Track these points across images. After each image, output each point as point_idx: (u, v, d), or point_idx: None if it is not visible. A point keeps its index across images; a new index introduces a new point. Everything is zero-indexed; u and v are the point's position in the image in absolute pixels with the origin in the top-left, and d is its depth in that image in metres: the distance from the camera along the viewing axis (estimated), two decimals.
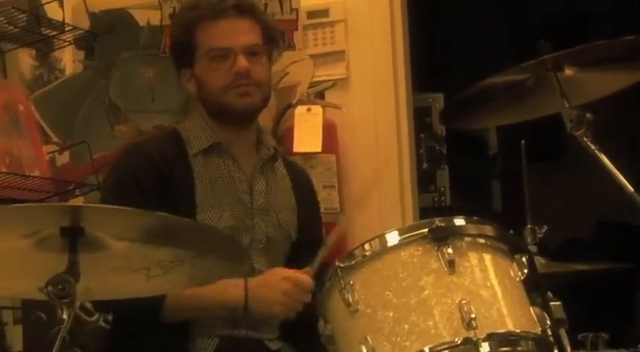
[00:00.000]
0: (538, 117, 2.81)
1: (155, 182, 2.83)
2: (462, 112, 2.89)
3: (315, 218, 3.17)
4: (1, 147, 3.51)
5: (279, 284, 2.75)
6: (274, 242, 2.97)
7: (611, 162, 2.53)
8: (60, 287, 2.00)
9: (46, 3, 3.83)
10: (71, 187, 3.68)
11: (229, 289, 2.76)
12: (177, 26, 3.08)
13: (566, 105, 2.60)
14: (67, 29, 3.86)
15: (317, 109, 3.99)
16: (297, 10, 4.05)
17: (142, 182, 2.82)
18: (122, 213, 2.09)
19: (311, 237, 3.06)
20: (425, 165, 4.54)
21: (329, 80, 4.08)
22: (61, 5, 3.91)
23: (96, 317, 3.55)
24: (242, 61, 2.89)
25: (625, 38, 2.58)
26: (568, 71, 2.65)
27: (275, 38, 3.13)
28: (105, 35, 4.05)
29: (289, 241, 3.01)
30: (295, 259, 2.98)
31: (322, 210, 3.79)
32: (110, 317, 2.99)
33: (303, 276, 2.72)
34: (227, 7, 2.93)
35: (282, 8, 4.02)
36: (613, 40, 2.60)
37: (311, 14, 4.03)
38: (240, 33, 2.93)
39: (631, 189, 2.47)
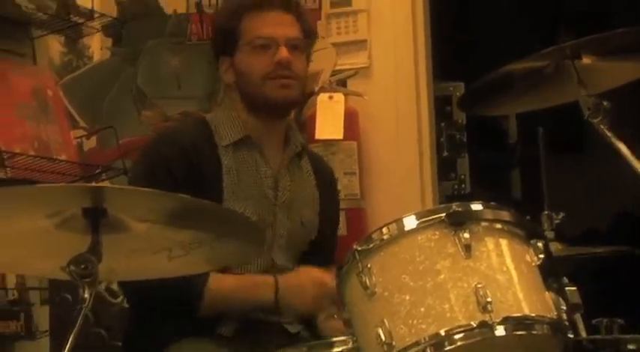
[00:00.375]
0: (556, 104, 2.78)
1: (186, 172, 2.83)
2: (481, 99, 2.87)
3: (334, 215, 3.17)
4: (30, 132, 3.52)
5: (310, 288, 2.78)
6: (295, 238, 2.97)
7: (629, 150, 2.51)
8: (82, 266, 1.99)
9: None
10: (98, 171, 3.68)
11: (261, 289, 2.79)
12: (223, 14, 3.09)
13: (584, 93, 2.58)
14: (95, 16, 3.86)
15: (339, 97, 3.99)
16: (320, 0, 4.05)
17: (174, 172, 2.82)
18: (144, 194, 2.09)
19: (328, 233, 3.07)
20: (445, 154, 4.53)
21: (351, 68, 4.09)
22: None
23: (120, 298, 3.58)
24: (284, 52, 2.88)
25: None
26: (586, 59, 2.63)
27: (313, 35, 3.11)
28: (132, 23, 4.05)
29: (309, 238, 3.01)
30: (310, 254, 2.99)
31: (343, 197, 3.82)
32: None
33: (328, 277, 2.71)
34: (274, 2, 2.93)
35: None
36: (630, 29, 2.58)
37: (334, 3, 4.04)
38: (284, 25, 2.93)
39: None
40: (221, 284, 2.79)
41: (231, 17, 2.95)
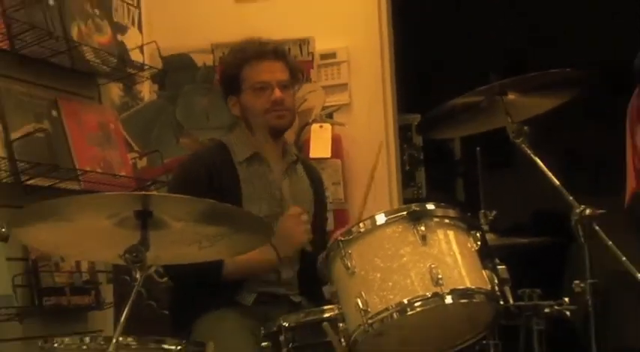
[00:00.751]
0: (488, 129, 2.76)
1: (208, 184, 2.83)
2: (433, 126, 2.86)
3: (323, 207, 3.14)
4: (98, 155, 3.49)
5: (283, 225, 2.77)
6: None
7: (543, 163, 2.49)
8: (134, 254, 1.98)
9: (131, 49, 3.82)
10: (148, 183, 3.65)
11: (263, 252, 2.73)
12: (228, 64, 3.03)
13: (509, 121, 2.56)
14: (145, 68, 3.83)
15: (327, 126, 3.98)
16: (312, 53, 4.04)
17: (199, 184, 2.80)
18: (181, 200, 2.07)
19: (319, 221, 3.04)
20: (407, 168, 4.51)
21: (336, 105, 4.07)
22: (142, 51, 3.90)
23: (165, 278, 3.55)
24: (277, 93, 2.88)
25: (551, 71, 2.55)
26: (511, 95, 2.62)
27: (298, 75, 3.10)
28: (172, 73, 4.04)
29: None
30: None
31: (331, 200, 3.80)
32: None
33: (292, 210, 2.80)
34: (267, 52, 2.92)
35: (301, 52, 4.01)
36: (543, 72, 2.56)
37: (323, 56, 4.02)
38: (276, 71, 2.91)
39: (557, 182, 2.43)
40: (235, 259, 2.74)
41: (235, 66, 2.93)
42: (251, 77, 2.90)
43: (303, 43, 4.03)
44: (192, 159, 3.01)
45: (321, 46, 4.04)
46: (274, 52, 2.94)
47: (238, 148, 2.93)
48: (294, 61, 3.06)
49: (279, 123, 2.90)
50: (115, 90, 3.91)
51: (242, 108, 2.93)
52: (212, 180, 2.83)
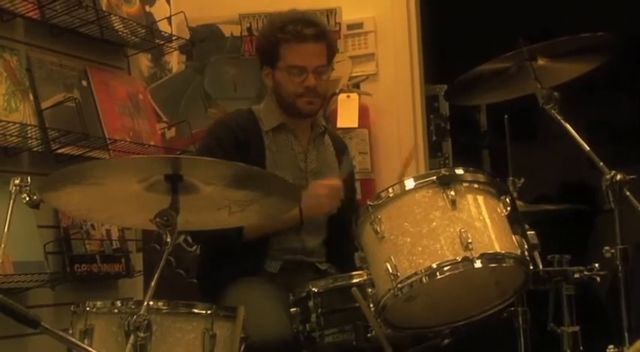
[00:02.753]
0: (517, 96, 2.72)
1: (235, 148, 2.81)
2: (461, 92, 2.82)
3: (350, 178, 3.10)
4: (127, 124, 3.49)
5: (317, 190, 2.74)
6: None
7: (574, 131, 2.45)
8: (165, 218, 1.96)
9: (159, 20, 3.79)
10: (177, 153, 3.64)
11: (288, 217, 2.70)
12: (266, 37, 2.91)
13: (539, 87, 2.52)
14: (173, 39, 3.81)
15: (354, 96, 3.94)
16: (340, 23, 3.99)
17: (225, 148, 2.79)
18: (211, 163, 2.06)
19: (348, 195, 3.00)
20: (434, 138, 4.47)
21: (363, 75, 4.03)
22: (170, 22, 3.87)
23: (194, 247, 3.55)
24: (311, 80, 2.82)
25: (582, 35, 2.50)
26: (540, 61, 2.57)
27: (335, 54, 2.98)
28: (200, 43, 4.01)
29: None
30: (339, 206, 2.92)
31: (358, 170, 3.78)
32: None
33: (332, 181, 2.76)
34: (308, 35, 2.82)
35: (328, 22, 3.96)
36: (574, 36, 2.52)
37: (350, 26, 3.98)
38: (313, 56, 2.83)
39: (587, 147, 2.39)
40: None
41: (273, 42, 2.84)
42: (288, 58, 2.83)
43: (330, 13, 3.99)
44: (220, 125, 2.98)
45: (348, 16, 4.00)
46: (315, 35, 2.83)
47: (266, 117, 2.90)
48: (333, 43, 2.96)
49: (308, 108, 2.87)
50: (143, 61, 3.90)
51: (275, 82, 2.88)
52: (239, 147, 2.81)
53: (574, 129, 2.43)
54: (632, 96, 5.44)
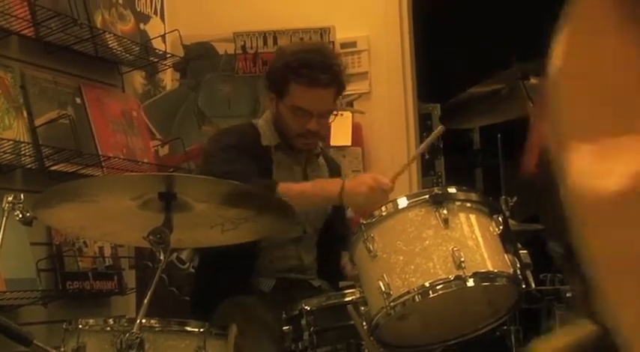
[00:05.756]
0: (511, 118, 2.73)
1: (244, 153, 2.74)
2: (452, 115, 2.83)
3: None
4: (121, 141, 3.49)
5: (368, 180, 2.61)
6: (317, 214, 2.92)
7: None
8: (158, 236, 1.97)
9: (153, 38, 3.82)
10: (170, 171, 3.65)
11: (329, 184, 2.66)
12: (276, 71, 2.81)
13: (532, 106, 2.54)
14: (167, 57, 3.83)
15: (347, 114, 3.95)
16: (333, 42, 4.00)
17: (236, 150, 2.74)
18: (204, 181, 2.06)
19: (340, 213, 3.00)
20: (427, 156, 4.48)
21: (356, 93, 4.04)
22: (164, 39, 3.89)
23: (187, 265, 3.55)
24: (314, 124, 2.77)
25: None
26: (533, 80, 2.59)
27: (342, 93, 2.93)
28: (195, 61, 4.02)
29: (326, 214, 2.95)
30: (329, 223, 2.92)
31: None
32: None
33: (386, 180, 2.60)
34: (320, 82, 2.74)
35: (322, 41, 3.97)
36: None
37: (343, 45, 3.98)
38: (321, 102, 2.78)
39: None
40: (290, 188, 2.64)
41: (283, 77, 2.76)
42: (295, 99, 2.75)
43: (323, 31, 4.00)
44: (225, 132, 2.96)
45: (341, 34, 4.01)
46: (328, 82, 2.76)
47: (266, 133, 2.88)
48: (343, 85, 2.86)
49: (304, 148, 2.86)
50: (137, 79, 3.91)
51: (277, 112, 2.82)
52: (250, 150, 2.76)
53: None
54: None
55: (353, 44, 4.01)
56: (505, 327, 2.57)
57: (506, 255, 2.20)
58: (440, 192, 2.19)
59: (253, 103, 3.94)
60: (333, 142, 3.87)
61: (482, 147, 5.09)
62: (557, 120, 0.83)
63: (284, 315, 2.42)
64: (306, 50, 2.84)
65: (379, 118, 4.00)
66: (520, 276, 2.20)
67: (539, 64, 2.54)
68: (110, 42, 3.44)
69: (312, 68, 2.73)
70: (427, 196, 2.19)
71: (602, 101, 0.83)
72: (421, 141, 4.28)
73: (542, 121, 1.16)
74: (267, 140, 2.85)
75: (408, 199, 2.21)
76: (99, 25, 3.39)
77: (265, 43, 4.01)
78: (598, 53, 0.88)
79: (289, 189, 2.61)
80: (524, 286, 2.23)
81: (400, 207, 2.20)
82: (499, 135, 3.25)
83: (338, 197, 2.58)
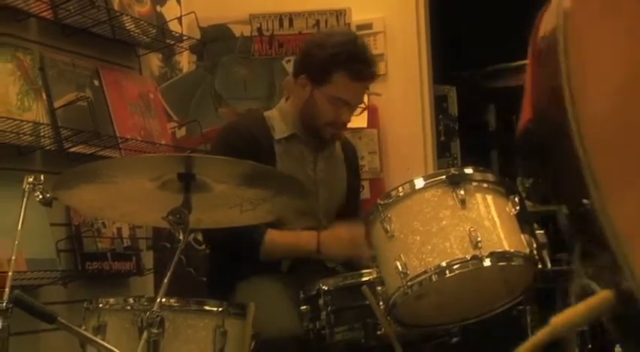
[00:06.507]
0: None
1: (246, 154, 2.77)
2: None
3: (356, 184, 3.12)
4: (139, 123, 3.51)
5: (343, 234, 2.71)
6: (331, 203, 2.94)
7: None
8: (177, 216, 1.98)
9: (170, 20, 3.82)
10: (187, 152, 3.66)
11: (307, 240, 2.74)
12: (321, 58, 2.78)
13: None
14: (184, 39, 3.84)
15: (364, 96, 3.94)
16: (349, 24, 3.99)
17: (237, 154, 2.76)
18: (223, 161, 2.07)
19: (353, 198, 3.02)
20: (442, 138, 4.48)
21: None
22: (180, 22, 3.89)
23: (204, 246, 3.57)
24: (347, 115, 2.81)
25: None
26: None
27: None
28: (211, 43, 4.03)
29: (340, 203, 2.97)
30: (342, 215, 2.94)
31: (367, 169, 3.80)
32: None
33: (361, 232, 2.49)
34: (368, 75, 2.79)
35: (338, 23, 3.97)
36: None
37: (359, 27, 3.96)
38: (360, 95, 2.84)
39: None
40: (274, 238, 2.75)
41: (328, 66, 2.76)
42: (338, 89, 2.76)
43: (339, 13, 4.00)
44: (231, 129, 2.97)
45: (357, 16, 4.00)
46: (372, 76, 2.81)
47: (278, 125, 2.88)
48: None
49: (331, 137, 2.88)
50: (154, 61, 3.92)
51: (310, 98, 2.81)
52: (250, 152, 2.80)
53: None
54: None
55: (369, 26, 4.00)
56: (521, 307, 2.57)
57: (522, 235, 2.21)
58: (457, 173, 2.21)
59: (269, 86, 3.94)
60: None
61: (497, 128, 5.08)
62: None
63: (302, 295, 2.44)
64: (352, 42, 2.82)
65: (395, 100, 3.99)
66: (536, 256, 2.21)
67: None
68: (127, 24, 3.46)
69: (361, 62, 2.76)
70: (444, 177, 2.20)
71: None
72: (437, 123, 4.28)
73: (535, 69, 1.16)
74: (279, 131, 2.86)
75: (424, 180, 2.22)
76: (116, 8, 3.40)
77: (281, 25, 4.00)
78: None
79: (274, 242, 2.73)
80: (540, 266, 2.24)
81: (417, 187, 2.21)
82: (514, 117, 3.23)
83: (316, 251, 2.71)
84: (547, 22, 1.17)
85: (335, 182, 2.95)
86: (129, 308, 2.17)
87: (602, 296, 0.97)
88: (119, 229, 3.35)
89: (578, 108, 0.91)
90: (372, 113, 3.96)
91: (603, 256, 0.97)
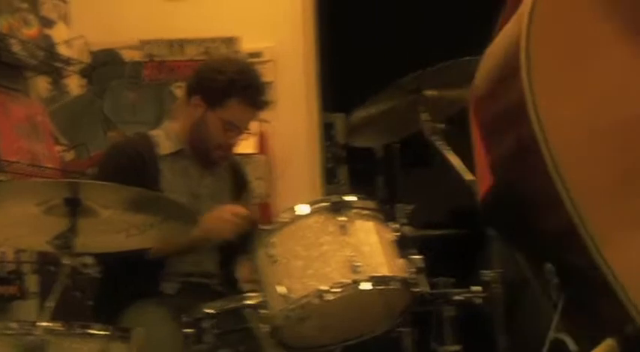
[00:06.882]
0: (409, 133, 2.84)
1: (132, 175, 2.79)
2: (356, 135, 2.95)
3: (247, 199, 3.16)
4: (25, 147, 3.48)
5: (221, 213, 2.75)
6: None
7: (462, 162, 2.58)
8: (63, 240, 1.99)
9: (59, 43, 3.80)
10: (75, 176, 3.64)
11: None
12: (218, 81, 2.84)
13: (424, 119, 2.65)
14: (73, 63, 3.82)
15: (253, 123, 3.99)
16: (239, 52, 4.06)
17: (122, 176, 2.77)
18: (110, 187, 2.09)
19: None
20: (330, 165, 4.57)
21: None
22: (69, 45, 3.88)
23: (91, 269, 3.55)
24: (236, 140, 2.90)
25: (465, 59, 2.52)
26: (428, 92, 2.69)
27: None
28: (101, 67, 4.03)
29: None
30: None
31: (255, 195, 3.84)
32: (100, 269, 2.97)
33: (239, 207, 2.74)
34: (261, 103, 2.89)
35: (228, 50, 4.03)
36: (455, 61, 2.59)
37: (250, 55, 4.03)
38: (251, 120, 2.93)
39: (471, 176, 2.52)
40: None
41: (225, 90, 2.82)
42: (231, 114, 2.83)
43: (230, 41, 4.06)
44: (116, 148, 3.00)
45: (247, 45, 4.07)
46: (265, 104, 2.93)
47: (164, 142, 2.92)
48: None
49: (219, 161, 2.93)
50: (42, 84, 3.89)
51: (202, 119, 2.86)
52: (136, 171, 2.82)
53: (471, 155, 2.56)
54: None
55: (259, 54, 4.07)
56: (400, 329, 2.67)
57: (400, 260, 2.31)
58: (339, 200, 2.29)
59: (158, 110, 3.96)
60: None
61: (383, 156, 5.21)
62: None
63: (186, 319, 2.47)
64: (249, 70, 2.93)
65: (284, 127, 4.07)
66: (413, 280, 2.31)
67: (429, 75, 2.65)
68: (14, 46, 3.43)
69: (256, 89, 2.87)
70: (326, 203, 2.28)
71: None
72: (325, 151, 4.38)
73: (486, 138, 1.17)
74: (164, 148, 2.90)
75: (308, 206, 2.29)
76: (3, 30, 3.37)
77: (172, 51, 4.04)
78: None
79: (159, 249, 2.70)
80: (417, 289, 2.34)
81: (300, 213, 2.28)
82: (397, 145, 3.37)
83: (201, 234, 2.66)
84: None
85: (220, 197, 2.98)
86: (10, 332, 2.15)
87: (606, 345, 1.01)
88: (3, 253, 3.30)
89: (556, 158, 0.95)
90: (262, 139, 4.03)
91: (584, 315, 1.00)
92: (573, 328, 1.09)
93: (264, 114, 4.02)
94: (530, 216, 1.08)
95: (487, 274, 2.42)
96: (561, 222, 0.96)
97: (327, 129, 4.44)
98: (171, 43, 4.05)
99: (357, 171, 4.84)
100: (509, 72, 1.06)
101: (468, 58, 2.49)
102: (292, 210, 2.29)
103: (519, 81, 1.01)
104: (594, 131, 1.01)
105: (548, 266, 1.04)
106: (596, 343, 1.01)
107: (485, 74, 1.18)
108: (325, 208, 2.27)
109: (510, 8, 1.22)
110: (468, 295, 2.56)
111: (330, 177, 4.51)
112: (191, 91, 2.91)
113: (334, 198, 2.30)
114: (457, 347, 2.60)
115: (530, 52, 1.03)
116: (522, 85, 1.00)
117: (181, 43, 4.04)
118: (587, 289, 1.01)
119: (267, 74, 4.04)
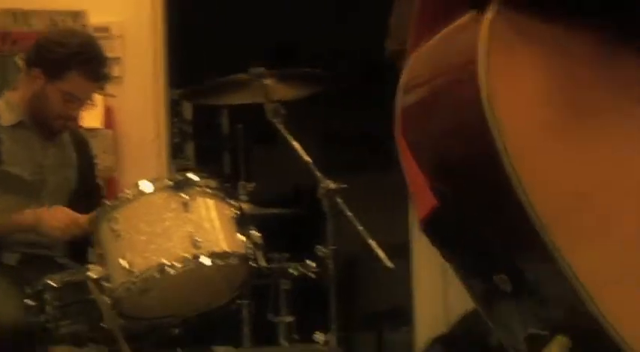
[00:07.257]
0: (250, 102, 2.98)
1: None
2: (200, 95, 3.07)
3: (91, 173, 3.19)
4: None
5: (57, 215, 2.74)
6: (61, 189, 2.97)
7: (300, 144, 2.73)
8: None
9: None
10: None
11: (26, 217, 2.74)
12: (56, 53, 2.83)
13: (265, 102, 2.80)
14: None
15: (98, 97, 3.99)
16: (85, 26, 4.02)
17: None
18: None
19: (88, 187, 3.09)
20: (177, 140, 4.63)
21: None
22: None
23: None
24: (78, 112, 2.91)
25: (298, 69, 2.86)
26: (268, 80, 2.85)
27: None
28: None
29: (70, 188, 3.01)
30: (75, 201, 2.96)
31: (100, 168, 3.84)
32: None
33: (79, 216, 2.69)
34: (102, 77, 2.90)
35: (75, 24, 4.00)
36: (290, 70, 2.88)
37: (96, 29, 3.99)
38: (92, 93, 2.92)
39: (308, 158, 2.68)
40: None
41: (63, 62, 2.82)
42: (71, 86, 2.82)
43: (76, 15, 4.03)
44: None
45: (94, 19, 4.05)
46: (107, 77, 2.94)
47: (4, 113, 2.89)
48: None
49: (61, 130, 2.93)
50: None
51: (41, 91, 2.85)
52: None
53: (312, 139, 2.72)
54: (365, 110, 5.88)
55: (106, 29, 4.06)
56: (240, 301, 2.80)
57: (239, 236, 2.43)
58: (181, 178, 2.39)
59: (1, 82, 3.89)
60: (83, 123, 3.91)
61: (230, 133, 5.30)
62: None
63: (28, 290, 2.50)
64: (90, 43, 2.93)
65: (131, 103, 4.09)
66: (251, 255, 2.45)
67: (272, 70, 2.83)
68: None
69: (98, 63, 2.88)
70: (169, 182, 2.37)
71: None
72: (172, 126, 4.44)
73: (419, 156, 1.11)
74: (6, 120, 2.88)
75: (151, 183, 2.38)
76: None
77: (16, 21, 3.98)
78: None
79: None
80: (254, 264, 2.48)
81: (144, 190, 2.37)
82: (240, 126, 3.48)
83: (33, 229, 2.72)
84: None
85: (65, 168, 2.99)
86: None
87: (558, 342, 1.02)
88: None
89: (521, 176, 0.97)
90: (108, 114, 4.04)
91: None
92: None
93: (110, 89, 4.06)
94: (482, 230, 1.06)
95: (321, 250, 2.59)
96: (522, 232, 0.99)
97: (174, 105, 4.49)
98: (15, 14, 3.98)
99: (203, 147, 4.92)
100: (458, 81, 1.06)
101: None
102: (136, 186, 2.37)
103: (474, 91, 1.01)
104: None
105: (501, 276, 1.05)
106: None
107: (420, 83, 1.13)
108: (168, 186, 2.36)
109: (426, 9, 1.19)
110: (302, 270, 2.73)
111: (176, 152, 4.57)
112: (30, 63, 2.91)
113: (177, 176, 2.40)
114: (291, 319, 2.76)
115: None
116: (479, 95, 1.01)
117: (26, 14, 3.99)
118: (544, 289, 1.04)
119: (114, 49, 4.06)
